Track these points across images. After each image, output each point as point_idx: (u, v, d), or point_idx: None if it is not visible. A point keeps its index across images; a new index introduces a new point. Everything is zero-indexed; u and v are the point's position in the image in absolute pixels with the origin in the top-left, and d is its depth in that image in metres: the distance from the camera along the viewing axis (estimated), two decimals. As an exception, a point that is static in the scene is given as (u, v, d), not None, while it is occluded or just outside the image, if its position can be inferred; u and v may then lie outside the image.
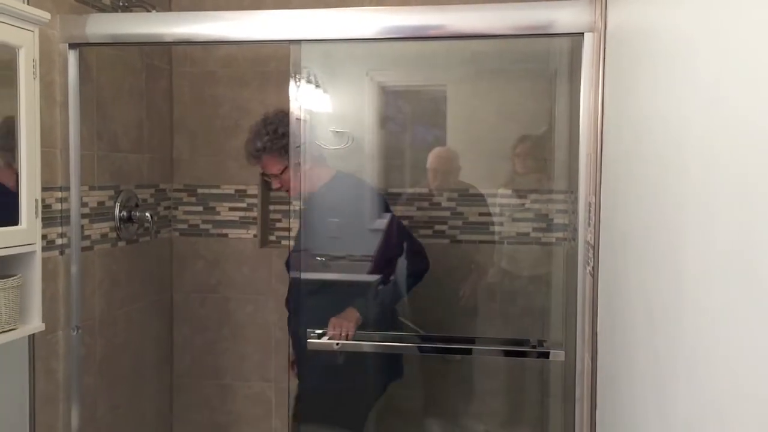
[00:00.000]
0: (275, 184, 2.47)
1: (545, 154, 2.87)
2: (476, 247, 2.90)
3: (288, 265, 2.56)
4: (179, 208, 3.05)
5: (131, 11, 2.57)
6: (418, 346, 2.78)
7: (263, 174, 2.56)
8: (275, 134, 2.39)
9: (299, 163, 2.43)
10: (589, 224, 1.91)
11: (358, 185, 2.67)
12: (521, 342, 2.74)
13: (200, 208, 3.02)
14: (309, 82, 2.75)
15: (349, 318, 2.39)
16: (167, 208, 3.00)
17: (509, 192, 2.88)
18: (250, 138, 2.45)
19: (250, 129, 2.48)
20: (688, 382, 0.89)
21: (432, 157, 2.94)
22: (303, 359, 2.49)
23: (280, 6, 2.85)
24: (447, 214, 2.88)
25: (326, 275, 2.65)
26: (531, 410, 2.96)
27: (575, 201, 2.05)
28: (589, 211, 1.91)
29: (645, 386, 1.16)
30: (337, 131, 2.92)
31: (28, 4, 2.01)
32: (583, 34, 1.93)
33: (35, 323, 1.96)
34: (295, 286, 2.38)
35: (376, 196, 2.75)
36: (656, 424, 1.06)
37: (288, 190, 2.43)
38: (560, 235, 2.76)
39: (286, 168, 2.39)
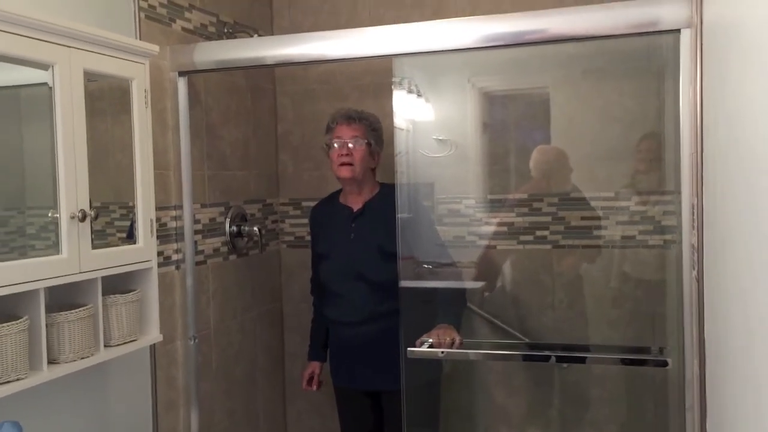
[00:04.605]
0: (342, 150, 2.47)
1: (657, 155, 2.77)
2: (579, 251, 2.84)
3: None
4: (285, 221, 3.17)
5: (235, 37, 2.71)
6: (528, 355, 2.76)
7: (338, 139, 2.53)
8: (375, 132, 2.54)
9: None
10: (693, 227, 1.84)
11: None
12: (633, 349, 2.65)
13: (305, 221, 3.12)
14: (410, 92, 2.79)
15: (450, 330, 2.42)
16: (274, 221, 3.13)
17: (613, 194, 2.80)
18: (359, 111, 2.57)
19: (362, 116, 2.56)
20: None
21: (536, 155, 2.90)
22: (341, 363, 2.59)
23: (374, 21, 2.92)
24: (548, 219, 2.84)
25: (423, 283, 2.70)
26: (641, 418, 2.85)
27: (680, 202, 1.98)
28: (693, 213, 1.84)
29: (745, 397, 1.11)
30: (439, 139, 2.94)
31: (139, 38, 2.17)
32: (680, 30, 1.87)
33: (154, 334, 2.10)
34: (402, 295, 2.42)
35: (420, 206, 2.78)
36: (753, 437, 1.02)
37: (350, 166, 2.47)
38: (669, 237, 2.66)
39: (372, 151, 2.51)
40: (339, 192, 2.63)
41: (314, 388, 2.74)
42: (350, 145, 2.48)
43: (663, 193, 2.71)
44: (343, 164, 2.48)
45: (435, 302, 2.68)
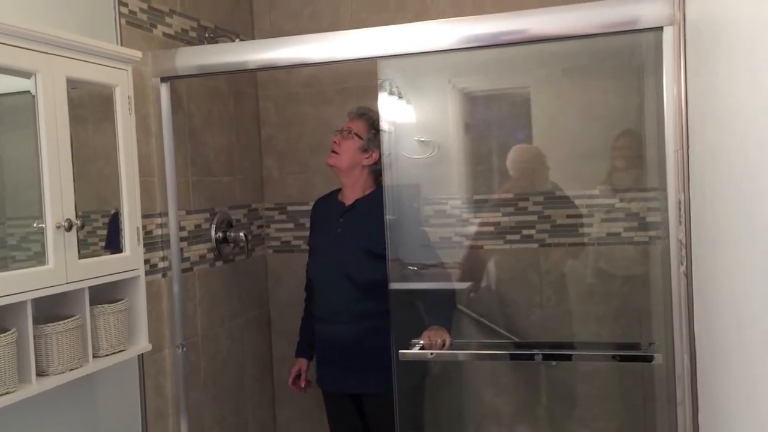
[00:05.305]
0: (336, 141, 2.54)
1: (636, 152, 2.79)
2: (566, 249, 2.85)
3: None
4: (271, 226, 3.16)
5: (217, 42, 2.69)
6: (514, 354, 2.77)
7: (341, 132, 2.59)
8: (375, 130, 2.53)
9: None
10: (680, 222, 1.85)
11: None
12: (622, 346, 2.67)
13: (291, 225, 3.11)
14: (392, 94, 2.79)
15: (442, 331, 2.43)
16: (260, 226, 3.11)
17: (597, 192, 2.82)
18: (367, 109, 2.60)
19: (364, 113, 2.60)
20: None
21: (512, 154, 2.92)
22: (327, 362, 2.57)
23: (356, 24, 2.92)
24: (534, 218, 2.85)
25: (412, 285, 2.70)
26: (632, 414, 2.87)
27: (666, 198, 2.00)
28: (680, 209, 1.85)
29: (739, 392, 1.12)
30: (422, 140, 2.94)
31: (120, 44, 2.15)
32: (662, 28, 1.89)
33: (143, 344, 2.08)
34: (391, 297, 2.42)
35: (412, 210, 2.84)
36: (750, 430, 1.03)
37: (336, 154, 2.52)
38: (654, 233, 2.68)
39: (364, 147, 2.51)
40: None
41: (302, 385, 2.70)
42: (340, 136, 2.54)
43: (646, 190, 2.74)
44: (331, 152, 2.56)
45: (425, 304, 2.68)
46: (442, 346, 2.39)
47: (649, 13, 1.92)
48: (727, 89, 1.18)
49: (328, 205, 2.64)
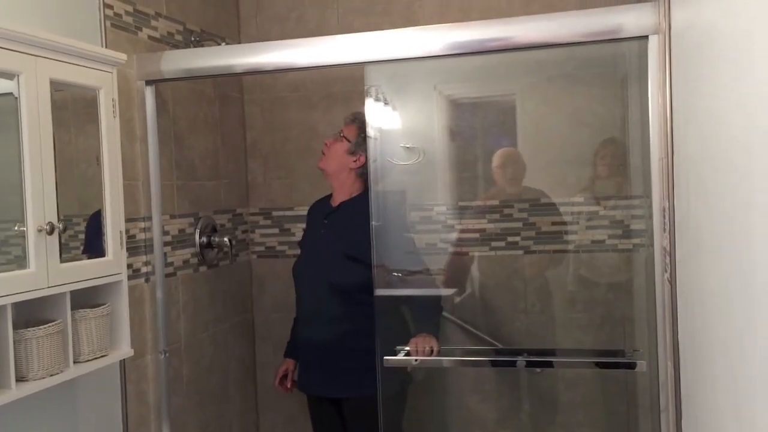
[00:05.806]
0: (326, 144, 2.55)
1: (621, 159, 2.81)
2: (551, 256, 2.86)
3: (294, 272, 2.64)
4: (256, 231, 3.14)
5: (203, 46, 2.68)
6: (496, 360, 2.77)
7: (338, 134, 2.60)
8: (364, 133, 2.50)
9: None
10: (664, 230, 1.86)
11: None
12: (606, 353, 2.68)
13: (276, 230, 3.10)
14: (377, 100, 2.79)
15: (429, 338, 2.42)
16: (244, 231, 3.10)
17: (582, 199, 2.83)
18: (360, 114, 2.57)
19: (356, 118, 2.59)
20: (764, 393, 0.86)
21: (497, 158, 2.93)
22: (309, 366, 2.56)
23: (343, 29, 2.92)
24: (519, 225, 2.85)
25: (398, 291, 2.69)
26: (615, 421, 2.88)
27: (650, 206, 2.01)
28: (664, 217, 1.86)
29: (723, 399, 1.12)
30: (407, 147, 2.94)
31: (105, 46, 2.13)
32: (647, 36, 1.90)
33: (125, 349, 2.06)
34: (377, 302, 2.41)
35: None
36: (736, 437, 1.03)
37: (324, 157, 2.54)
38: (638, 240, 2.69)
39: (351, 150, 2.50)
40: None
41: (288, 385, 2.69)
42: (332, 139, 2.56)
43: (630, 197, 2.75)
44: (321, 154, 2.58)
45: (411, 310, 2.67)
46: (430, 353, 2.38)
47: (634, 22, 1.93)
48: (711, 97, 1.19)
49: (319, 207, 2.66)
